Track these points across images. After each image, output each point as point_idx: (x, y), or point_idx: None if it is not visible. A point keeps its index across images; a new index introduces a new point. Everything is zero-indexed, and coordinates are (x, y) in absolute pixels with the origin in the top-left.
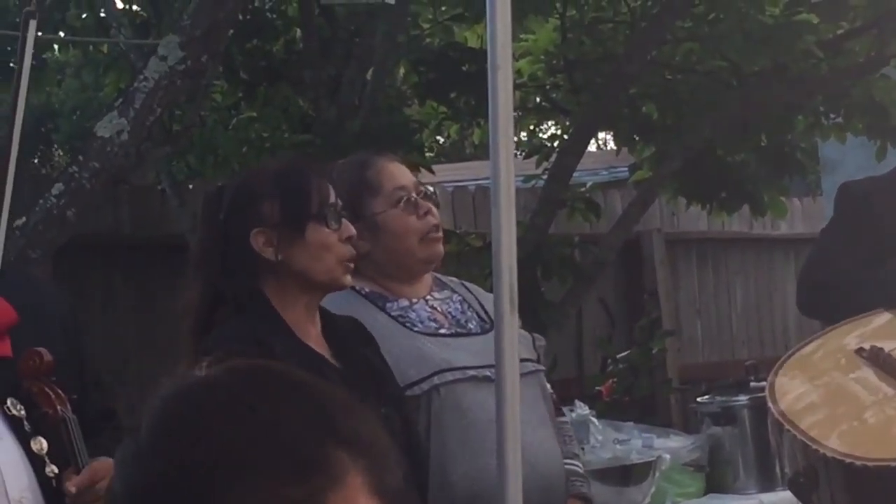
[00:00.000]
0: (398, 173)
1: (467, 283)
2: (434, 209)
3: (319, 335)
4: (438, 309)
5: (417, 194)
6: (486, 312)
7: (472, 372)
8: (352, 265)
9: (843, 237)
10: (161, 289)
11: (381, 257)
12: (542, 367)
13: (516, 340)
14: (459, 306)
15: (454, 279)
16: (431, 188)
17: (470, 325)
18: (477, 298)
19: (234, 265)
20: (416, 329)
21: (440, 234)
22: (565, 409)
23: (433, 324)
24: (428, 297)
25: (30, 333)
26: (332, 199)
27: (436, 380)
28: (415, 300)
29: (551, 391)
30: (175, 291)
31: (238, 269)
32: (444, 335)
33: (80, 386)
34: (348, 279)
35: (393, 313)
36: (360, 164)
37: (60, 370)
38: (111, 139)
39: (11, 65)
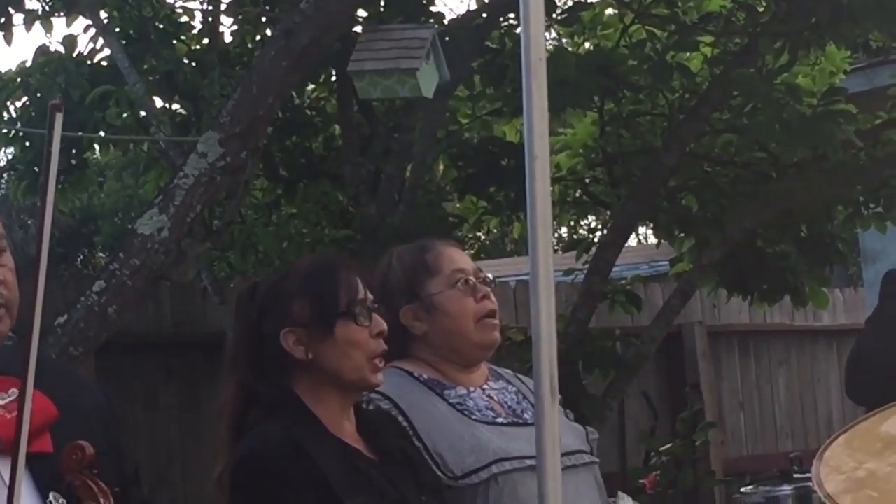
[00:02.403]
0: (458, 257)
1: (521, 376)
2: (492, 295)
3: (354, 431)
4: (495, 398)
5: (476, 279)
6: None
7: (529, 461)
8: (382, 363)
9: (889, 323)
10: (203, 386)
11: (437, 339)
12: (596, 460)
13: (557, 432)
14: (515, 396)
15: (508, 371)
16: (491, 276)
17: (525, 416)
18: (531, 389)
19: (266, 364)
20: (473, 417)
21: (497, 320)
22: (609, 502)
23: (490, 412)
24: (485, 386)
25: (70, 428)
26: (362, 294)
27: (494, 468)
28: (472, 389)
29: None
30: (217, 389)
31: (270, 368)
32: (501, 424)
33: (120, 479)
34: (378, 378)
35: (451, 401)
36: (421, 247)
37: (101, 463)
38: (151, 236)
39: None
